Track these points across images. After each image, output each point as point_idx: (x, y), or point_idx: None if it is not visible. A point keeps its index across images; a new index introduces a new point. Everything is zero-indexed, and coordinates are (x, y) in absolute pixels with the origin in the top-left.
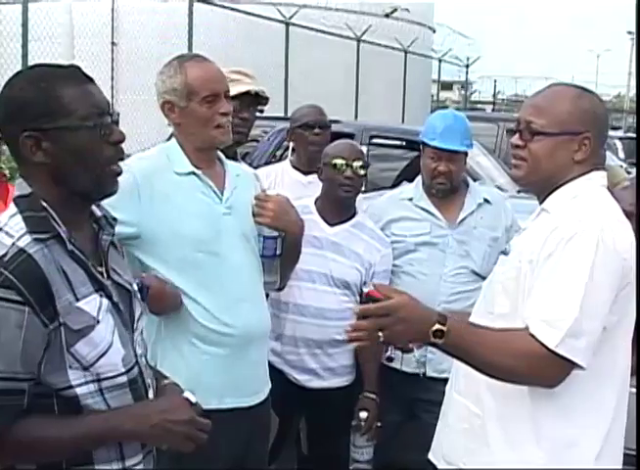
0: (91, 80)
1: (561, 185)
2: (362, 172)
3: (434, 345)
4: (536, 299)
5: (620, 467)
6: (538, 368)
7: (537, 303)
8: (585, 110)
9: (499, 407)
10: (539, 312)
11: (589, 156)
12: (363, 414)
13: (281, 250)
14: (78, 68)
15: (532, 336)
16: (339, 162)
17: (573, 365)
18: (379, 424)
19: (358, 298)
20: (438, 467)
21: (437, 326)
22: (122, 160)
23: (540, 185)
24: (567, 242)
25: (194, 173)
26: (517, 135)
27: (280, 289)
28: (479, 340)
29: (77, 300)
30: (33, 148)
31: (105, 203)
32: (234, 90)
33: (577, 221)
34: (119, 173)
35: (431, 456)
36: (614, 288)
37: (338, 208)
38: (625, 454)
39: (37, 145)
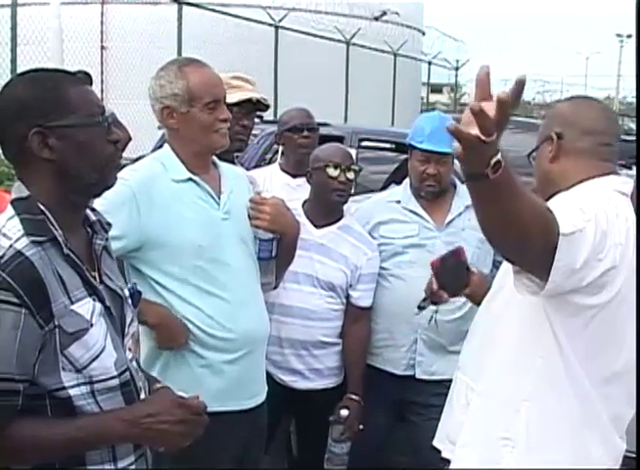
0: (89, 83)
1: (569, 188)
2: (354, 177)
3: (484, 177)
4: None
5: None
6: (543, 238)
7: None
8: (552, 115)
9: (491, 384)
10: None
11: (567, 151)
12: (344, 412)
13: (276, 251)
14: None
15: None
16: (332, 167)
17: (539, 281)
18: (361, 427)
19: (344, 300)
20: (443, 452)
21: (498, 157)
22: (120, 158)
23: (546, 196)
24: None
25: (191, 179)
26: None
27: (274, 288)
28: (519, 188)
29: (72, 303)
30: (40, 145)
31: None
32: (235, 97)
33: (581, 195)
34: (119, 167)
35: (436, 443)
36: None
37: (326, 211)
38: (625, 456)
39: (44, 142)
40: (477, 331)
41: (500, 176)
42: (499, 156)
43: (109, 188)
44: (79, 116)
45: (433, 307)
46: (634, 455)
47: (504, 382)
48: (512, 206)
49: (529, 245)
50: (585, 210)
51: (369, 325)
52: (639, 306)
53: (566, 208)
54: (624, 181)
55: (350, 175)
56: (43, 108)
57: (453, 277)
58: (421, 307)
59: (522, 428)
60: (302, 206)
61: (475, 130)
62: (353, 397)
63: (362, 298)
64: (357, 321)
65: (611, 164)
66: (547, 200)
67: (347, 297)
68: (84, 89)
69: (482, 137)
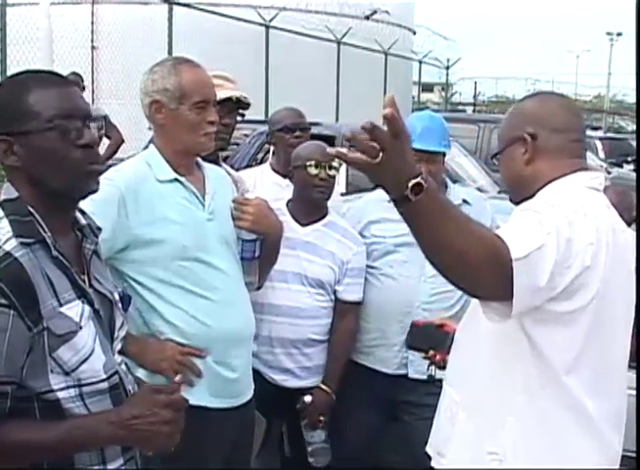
0: (67, 84)
1: (541, 188)
2: (335, 173)
3: (405, 200)
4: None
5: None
6: (492, 267)
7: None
8: (519, 113)
9: (475, 399)
10: (507, 235)
11: (541, 151)
12: (307, 398)
13: (259, 252)
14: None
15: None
16: (313, 164)
17: (507, 302)
18: (321, 418)
19: (333, 297)
20: (432, 459)
21: (418, 180)
22: (93, 163)
23: (519, 198)
24: (527, 209)
25: (177, 180)
26: None
27: (258, 288)
28: (450, 211)
29: (61, 305)
30: (7, 152)
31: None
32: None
33: (544, 203)
34: (96, 173)
35: (428, 449)
36: (563, 249)
37: (310, 208)
38: (625, 456)
39: (10, 149)
40: (461, 342)
41: (422, 200)
42: (419, 179)
43: (91, 193)
44: (39, 121)
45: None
46: (634, 455)
47: (487, 397)
48: (442, 231)
49: (475, 274)
50: (544, 222)
51: (355, 321)
52: (639, 305)
53: (522, 226)
54: (593, 176)
55: (331, 172)
56: (7, 115)
57: (426, 343)
58: (431, 376)
59: (508, 442)
60: (287, 205)
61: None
62: (323, 386)
63: (347, 291)
64: (344, 316)
65: (580, 161)
66: (519, 202)
67: (335, 292)
68: (50, 93)
69: (369, 160)
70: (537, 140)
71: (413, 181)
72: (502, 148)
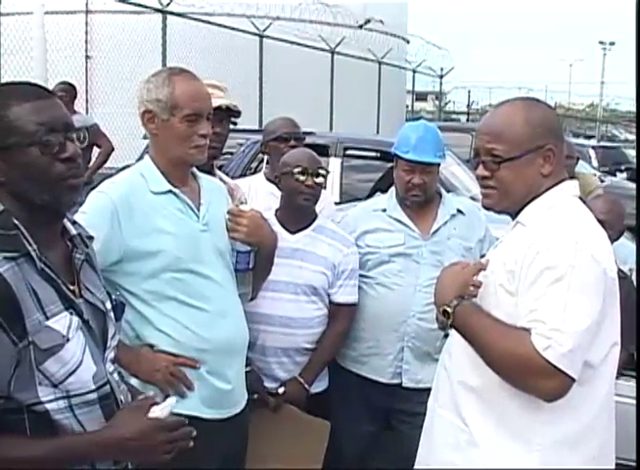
0: (48, 96)
1: (534, 198)
2: (322, 180)
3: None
4: (527, 311)
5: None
6: (529, 372)
7: (528, 315)
8: (539, 123)
9: (485, 421)
10: (531, 323)
11: (556, 165)
12: (281, 389)
13: (254, 263)
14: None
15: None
16: (300, 171)
17: (567, 378)
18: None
19: (327, 302)
20: None
21: (445, 308)
22: (76, 176)
23: (514, 206)
24: (544, 258)
25: (171, 191)
26: (481, 167)
27: (251, 299)
28: (481, 331)
29: (47, 318)
30: None
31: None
32: None
33: (553, 235)
34: (79, 186)
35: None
36: (599, 294)
37: (298, 215)
38: (625, 465)
39: None
40: (448, 361)
41: (455, 324)
42: (446, 308)
43: (74, 205)
44: (21, 137)
45: None
46: (634, 464)
47: (505, 439)
48: (480, 347)
49: (517, 379)
50: (575, 270)
51: (348, 323)
52: (639, 307)
53: (564, 301)
54: (575, 185)
55: (319, 179)
56: None
57: None
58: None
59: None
60: (275, 214)
61: None
62: (299, 378)
63: (339, 293)
64: (335, 318)
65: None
66: (517, 209)
67: (329, 296)
68: (30, 107)
69: None
70: (556, 153)
71: (441, 308)
72: (519, 155)
